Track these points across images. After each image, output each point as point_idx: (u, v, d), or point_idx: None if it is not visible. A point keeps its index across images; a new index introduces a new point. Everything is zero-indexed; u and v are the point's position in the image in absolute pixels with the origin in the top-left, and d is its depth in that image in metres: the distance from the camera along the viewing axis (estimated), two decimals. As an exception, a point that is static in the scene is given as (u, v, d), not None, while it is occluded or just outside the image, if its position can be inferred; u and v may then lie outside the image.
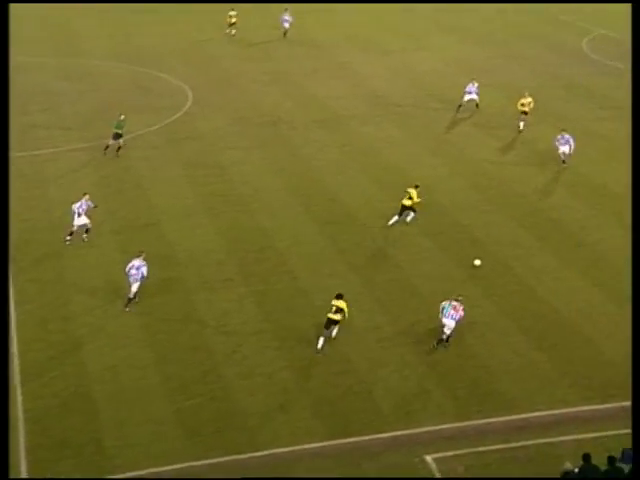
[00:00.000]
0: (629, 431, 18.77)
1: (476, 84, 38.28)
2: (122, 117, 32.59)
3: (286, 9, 50.01)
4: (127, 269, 22.69)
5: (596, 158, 33.33)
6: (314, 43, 49.04)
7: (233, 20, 49.65)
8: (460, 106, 37.92)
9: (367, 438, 18.82)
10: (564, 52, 47.31)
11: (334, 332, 21.74)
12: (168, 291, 23.74)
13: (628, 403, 19.63)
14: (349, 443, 18.68)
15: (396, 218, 27.62)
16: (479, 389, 20.34)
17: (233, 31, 49.65)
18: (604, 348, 21.70)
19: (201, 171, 31.73)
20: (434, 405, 19.79)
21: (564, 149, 31.98)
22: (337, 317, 21.51)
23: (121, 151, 32.32)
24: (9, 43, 32.15)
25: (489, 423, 19.25)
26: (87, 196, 26.10)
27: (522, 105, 35.84)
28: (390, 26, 53.14)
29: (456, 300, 21.78)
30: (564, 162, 32.04)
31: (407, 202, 27.52)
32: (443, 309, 21.69)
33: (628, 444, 17.56)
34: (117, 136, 32.25)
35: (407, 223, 27.65)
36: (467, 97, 37.96)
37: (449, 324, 21.63)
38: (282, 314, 22.99)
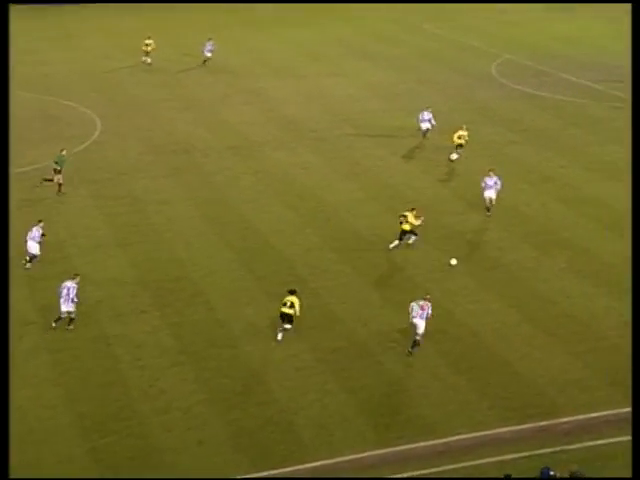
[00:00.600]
0: (549, 450, 19.18)
1: (429, 112, 37.70)
2: (63, 152, 31.79)
3: (210, 38, 50.01)
4: (59, 289, 23.03)
5: (507, 180, 33.99)
6: (227, 69, 49.10)
7: (149, 48, 49.28)
8: (423, 133, 37.59)
9: (289, 469, 18.70)
10: (474, 76, 48.47)
11: (287, 326, 22.93)
12: (80, 325, 23.25)
13: (546, 422, 20.06)
14: (271, 476, 18.52)
15: (397, 242, 27.81)
16: (400, 415, 20.46)
17: (149, 60, 49.30)
18: (520, 369, 22.10)
19: (112, 201, 31.29)
20: (355, 433, 19.80)
21: (489, 194, 30.09)
22: (290, 311, 22.64)
23: (63, 188, 31.56)
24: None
25: (411, 449, 19.35)
26: (41, 223, 26.56)
27: (459, 138, 35.69)
28: (304, 51, 53.60)
29: (423, 299, 22.61)
30: (488, 210, 30.18)
31: (406, 227, 27.74)
32: (412, 309, 22.47)
33: (548, 463, 17.91)
34: (57, 172, 31.28)
35: (409, 245, 27.96)
36: (423, 126, 37.49)
37: (419, 324, 22.44)
38: (200, 345, 22.74)
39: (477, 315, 24.52)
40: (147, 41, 49.38)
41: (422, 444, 19.49)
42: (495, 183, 30.31)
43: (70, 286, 23.02)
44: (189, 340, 22.95)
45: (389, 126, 40.22)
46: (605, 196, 31.95)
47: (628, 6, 64.56)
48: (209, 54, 49.51)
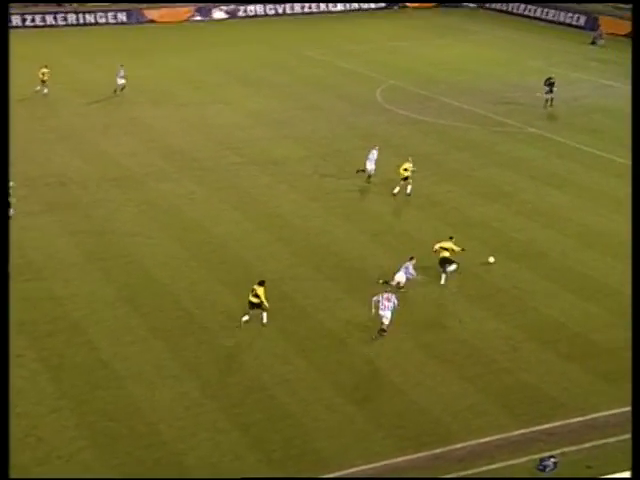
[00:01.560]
0: (444, 477, 19.32)
1: (376, 151, 36.65)
2: (12, 184, 30.38)
3: (122, 65, 49.14)
4: None
5: (395, 206, 34.50)
6: (105, 97, 48.26)
7: (45, 77, 47.90)
8: (363, 172, 36.60)
9: (180, 514, 18.23)
10: (359, 102, 49.16)
11: (265, 318, 24.85)
12: (-49, 373, 22.15)
13: (441, 450, 20.24)
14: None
15: (444, 275, 27.92)
16: (294, 449, 20.27)
17: (45, 90, 47.91)
18: (414, 396, 22.27)
19: (-15, 239, 30.12)
20: (249, 470, 19.49)
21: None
22: (255, 300, 24.70)
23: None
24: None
25: (306, 484, 19.18)
26: None
27: (405, 170, 35.36)
28: (183, 78, 53.24)
29: (386, 292, 24.59)
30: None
31: (445, 254, 27.97)
32: (378, 302, 24.35)
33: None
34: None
35: (448, 275, 27.90)
36: (369, 166, 36.53)
37: (386, 315, 24.39)
38: (82, 388, 22.02)
39: (370, 343, 24.63)
40: (43, 70, 47.94)
41: (318, 477, 19.33)
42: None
43: None
44: (70, 383, 22.19)
45: (275, 154, 40.28)
46: (490, 219, 32.76)
47: (502, 32, 67.10)
48: (122, 81, 48.60)
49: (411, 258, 27.22)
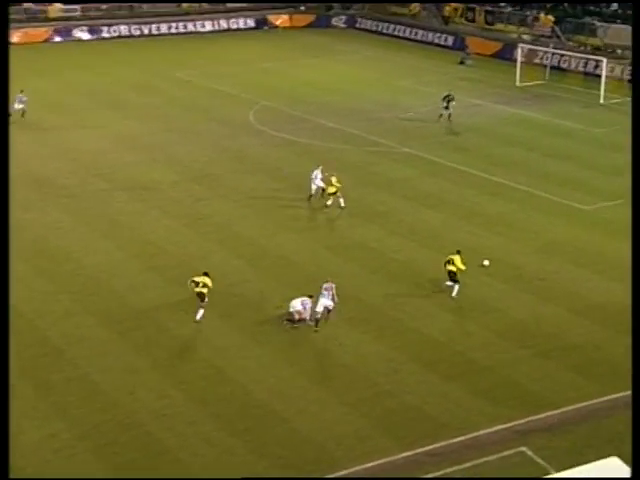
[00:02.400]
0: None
1: (319, 171, 36.60)
2: None
3: (22, 90, 47.20)
4: None
5: (272, 229, 34.40)
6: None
7: None
8: (310, 196, 36.50)
9: None
10: (232, 124, 49.01)
11: (199, 315, 26.55)
12: None
13: (324, 478, 20.11)
14: None
15: (450, 283, 28.51)
16: (173, 487, 19.76)
17: None
18: (297, 424, 22.11)
19: None
20: (126, 514, 18.87)
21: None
22: (204, 290, 26.51)
23: None
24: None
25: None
26: None
27: (331, 184, 35.54)
28: (44, 102, 51.77)
29: (326, 282, 26.51)
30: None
31: (452, 267, 28.44)
32: (320, 293, 26.19)
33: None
34: None
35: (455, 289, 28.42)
36: (314, 185, 36.51)
37: (327, 303, 26.26)
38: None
39: (250, 371, 24.37)
40: None
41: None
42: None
43: None
44: None
45: (145, 179, 39.62)
46: (368, 240, 33.08)
47: (372, 51, 68.41)
48: (20, 106, 46.75)
49: (310, 296, 26.53)
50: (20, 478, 18.75)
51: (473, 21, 72.25)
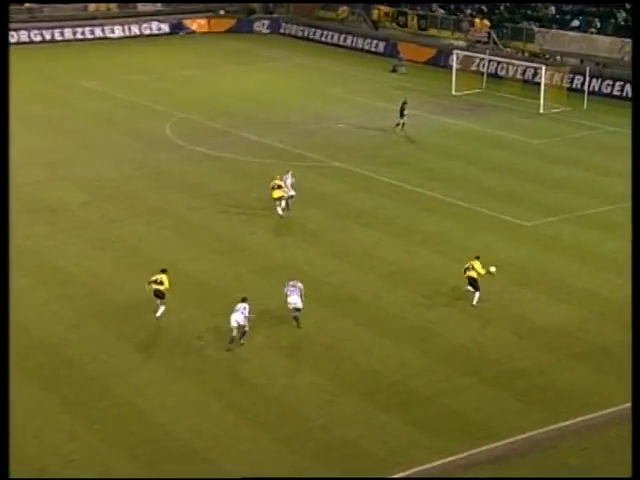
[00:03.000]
0: None
1: (290, 176, 37.54)
2: None
3: None
4: None
5: (197, 253, 34.21)
6: None
7: None
8: (287, 206, 37.12)
9: None
10: (148, 138, 48.72)
11: (160, 311, 28.30)
12: None
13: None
14: None
15: (470, 289, 29.81)
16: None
17: None
18: (223, 464, 21.95)
19: None
20: None
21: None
22: (161, 287, 27.99)
23: None
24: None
25: None
26: None
27: (277, 189, 36.48)
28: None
29: (291, 280, 28.09)
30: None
31: (472, 273, 29.59)
32: (286, 291, 27.87)
33: None
34: None
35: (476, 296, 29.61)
36: (290, 192, 37.24)
37: (296, 301, 27.69)
38: None
39: (170, 408, 24.13)
40: None
41: None
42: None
43: None
44: None
45: (52, 199, 39.10)
46: (298, 262, 33.10)
47: (299, 58, 68.85)
48: None
49: (244, 299, 27.09)
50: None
51: (405, 26, 73.19)
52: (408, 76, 63.83)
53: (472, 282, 29.83)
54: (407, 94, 58.15)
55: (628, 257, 33.26)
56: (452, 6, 71.79)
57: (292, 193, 37.50)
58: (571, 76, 58.10)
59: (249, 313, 26.86)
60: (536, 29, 64.50)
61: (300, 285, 28.11)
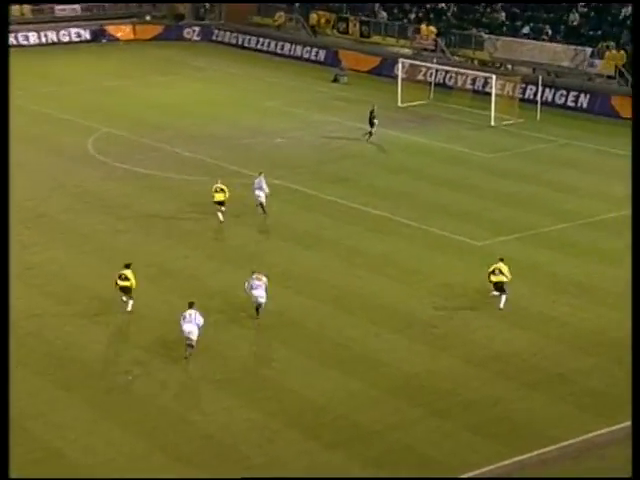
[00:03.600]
0: None
1: (262, 179, 39.33)
2: None
3: None
4: None
5: (107, 272, 33.84)
6: None
7: None
8: (258, 206, 39.34)
9: None
10: (68, 155, 48.31)
11: (130, 306, 30.60)
12: None
13: None
14: None
15: (496, 294, 31.56)
16: None
17: None
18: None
19: None
20: None
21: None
22: (126, 284, 30.17)
23: None
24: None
25: None
26: None
27: (220, 192, 38.09)
28: None
29: (254, 272, 29.85)
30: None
31: (501, 278, 31.28)
32: (251, 285, 29.69)
33: None
34: None
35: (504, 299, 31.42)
36: (260, 194, 39.11)
37: (261, 294, 29.65)
38: None
39: (95, 451, 23.86)
40: None
41: None
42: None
43: None
44: None
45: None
46: (235, 287, 32.93)
47: (234, 68, 68.97)
48: None
49: (191, 304, 28.12)
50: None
51: (346, 33, 73.63)
52: (350, 86, 64.25)
53: (499, 286, 31.45)
54: (350, 106, 58.67)
55: (586, 278, 33.89)
56: (396, 10, 72.34)
57: (263, 196, 39.28)
58: (523, 86, 58.87)
59: (202, 320, 27.88)
60: (485, 36, 65.21)
61: (265, 280, 29.94)
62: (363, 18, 73.10)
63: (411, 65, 62.39)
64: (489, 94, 56.28)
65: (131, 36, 78.89)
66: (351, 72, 66.77)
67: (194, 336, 27.58)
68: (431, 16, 70.09)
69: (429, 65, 62.01)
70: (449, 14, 69.73)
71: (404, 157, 49.18)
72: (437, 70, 62.26)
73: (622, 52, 58.33)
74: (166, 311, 30.92)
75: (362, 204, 41.61)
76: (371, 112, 50.42)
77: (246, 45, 76.91)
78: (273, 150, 49.90)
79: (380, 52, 69.82)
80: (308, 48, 73.11)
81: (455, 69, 62.48)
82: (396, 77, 60.48)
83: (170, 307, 31.35)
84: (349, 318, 31.02)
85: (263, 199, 39.26)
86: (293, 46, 74.00)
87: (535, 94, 58.15)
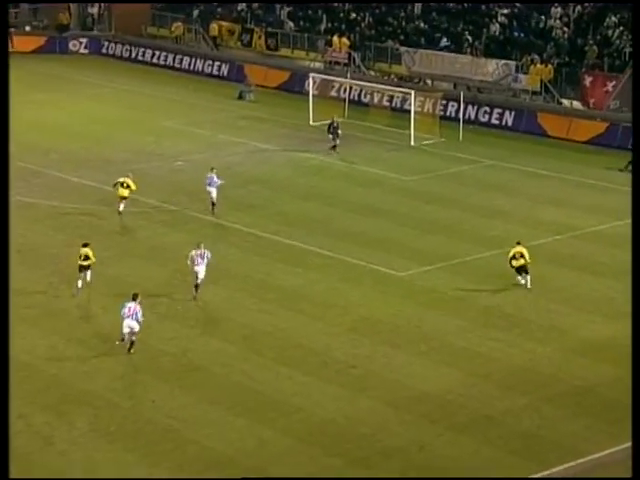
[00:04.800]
0: None
1: (214, 175, 43.06)
2: None
3: None
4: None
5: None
6: None
7: None
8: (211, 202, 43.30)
9: None
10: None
11: (89, 277, 35.17)
12: None
13: None
14: None
15: (520, 279, 35.39)
16: None
17: None
18: None
19: None
20: None
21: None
22: (86, 262, 34.87)
23: None
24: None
25: None
26: None
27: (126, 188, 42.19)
28: None
29: (198, 249, 34.59)
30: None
31: (521, 261, 34.89)
32: (193, 259, 34.48)
33: None
34: None
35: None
36: (212, 190, 42.95)
37: (201, 270, 34.42)
38: None
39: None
40: None
41: None
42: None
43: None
44: None
45: None
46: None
47: (127, 83, 68.62)
48: None
49: (135, 296, 31.00)
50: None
51: (250, 45, 73.85)
52: (258, 104, 64.51)
53: (522, 270, 35.04)
54: (257, 125, 58.95)
55: (515, 309, 34.51)
56: (303, 21, 72.60)
57: (212, 192, 43.08)
58: (444, 102, 59.77)
59: (142, 316, 30.64)
60: (402, 49, 65.94)
61: (209, 255, 34.59)
62: (269, 29, 73.48)
63: (323, 80, 63.03)
64: (408, 112, 57.00)
65: (9, 49, 77.89)
66: (257, 88, 66.99)
67: (129, 329, 30.66)
68: (343, 27, 70.53)
69: (342, 80, 62.64)
70: (363, 25, 70.25)
71: (317, 181, 49.48)
72: (351, 86, 62.85)
73: (549, 66, 59.50)
74: (49, 357, 30.57)
75: (272, 233, 41.75)
76: (330, 125, 51.99)
77: (140, 59, 76.74)
78: (172, 175, 49.75)
79: (289, 66, 70.27)
80: (210, 62, 73.27)
81: (371, 85, 63.22)
82: (307, 93, 60.96)
83: (54, 350, 31.05)
84: (259, 359, 31.02)
85: (214, 195, 43.12)
86: (193, 60, 74.10)
87: (457, 111, 59.12)
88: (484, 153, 53.91)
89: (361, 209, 45.11)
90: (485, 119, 59.79)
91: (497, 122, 59.30)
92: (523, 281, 35.37)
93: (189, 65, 74.14)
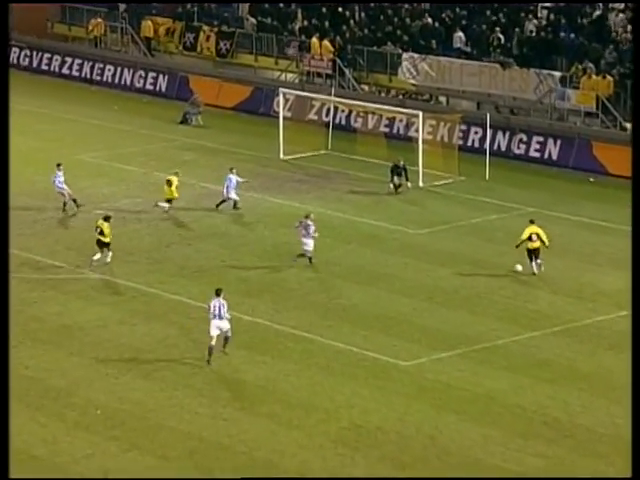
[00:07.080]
0: None
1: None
2: None
3: None
4: None
5: None
6: None
7: None
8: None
9: None
10: None
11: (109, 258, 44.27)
12: None
13: None
14: None
15: (533, 266, 42.85)
16: None
17: None
18: None
19: None
20: None
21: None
22: (104, 239, 43.85)
23: None
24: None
25: None
26: None
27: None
28: None
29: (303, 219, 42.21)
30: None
31: (536, 244, 42.23)
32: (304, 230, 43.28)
33: None
34: None
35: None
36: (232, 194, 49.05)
37: (309, 242, 42.89)
38: None
39: None
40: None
41: None
42: None
43: None
44: None
45: None
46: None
47: (36, 104, 68.67)
48: None
49: (218, 291, 36.93)
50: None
51: (195, 49, 73.66)
52: (208, 130, 64.80)
53: (534, 253, 41.90)
54: (207, 160, 59.11)
55: (564, 413, 34.36)
56: (270, 18, 72.18)
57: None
58: (464, 128, 59.83)
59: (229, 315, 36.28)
60: (406, 55, 65.49)
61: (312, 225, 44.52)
62: (223, 28, 73.10)
63: (298, 98, 63.08)
64: (414, 140, 57.11)
65: None
66: (207, 109, 67.18)
67: (218, 331, 36.81)
68: (326, 26, 69.99)
69: (325, 98, 62.70)
70: (353, 23, 69.37)
71: (290, 235, 49.20)
72: (337, 106, 62.88)
73: (608, 78, 58.84)
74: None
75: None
76: (396, 166, 53.79)
77: (45, 68, 77.15)
78: (90, 230, 49.38)
79: (251, 79, 70.58)
80: (142, 72, 73.60)
81: (363, 104, 63.03)
82: (276, 116, 61.05)
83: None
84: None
85: (236, 198, 51.00)
86: (119, 69, 74.46)
87: (482, 140, 59.24)
88: (519, 197, 53.95)
89: (352, 274, 45.03)
90: (521, 151, 60.06)
91: (537, 155, 59.60)
92: (537, 263, 41.33)
93: (113, 77, 74.52)
